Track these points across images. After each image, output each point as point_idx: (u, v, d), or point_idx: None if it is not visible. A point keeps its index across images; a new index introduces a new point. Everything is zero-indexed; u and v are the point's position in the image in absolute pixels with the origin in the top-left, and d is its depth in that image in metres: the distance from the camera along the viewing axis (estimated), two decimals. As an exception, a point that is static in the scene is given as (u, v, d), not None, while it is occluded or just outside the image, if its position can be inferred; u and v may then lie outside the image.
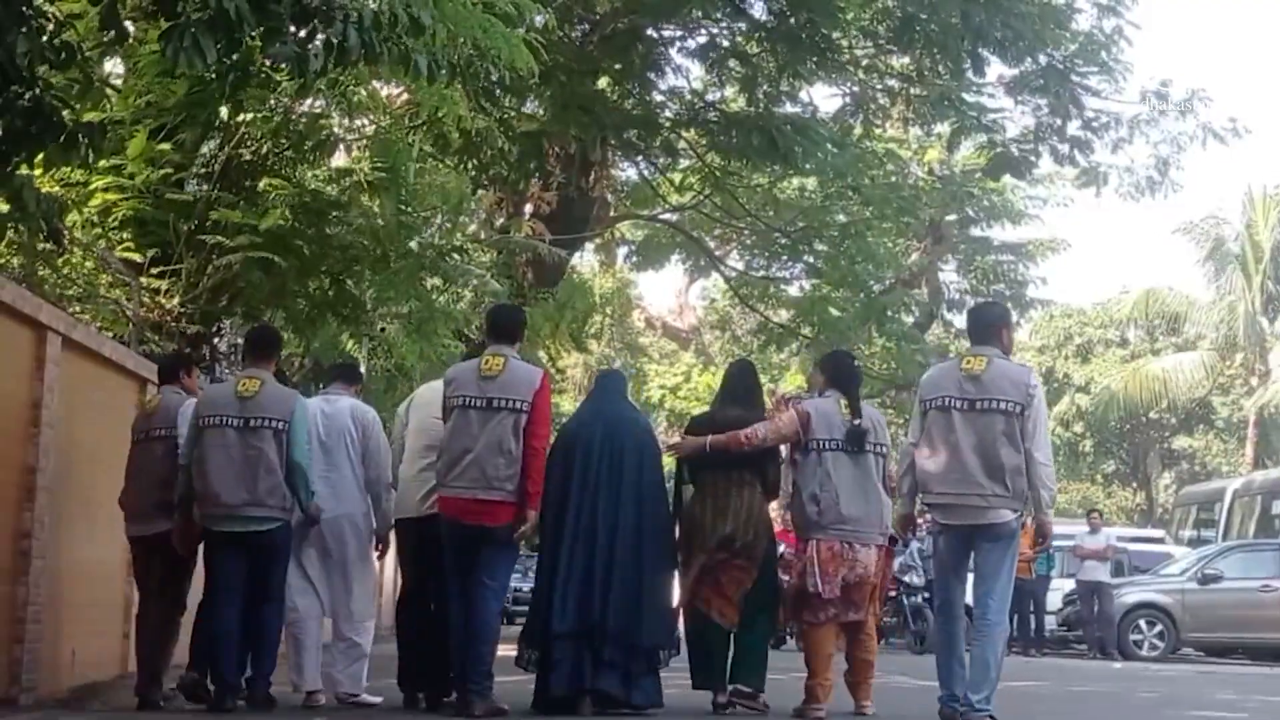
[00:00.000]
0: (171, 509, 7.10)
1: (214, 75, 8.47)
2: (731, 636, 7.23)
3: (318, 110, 11.19)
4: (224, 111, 9.85)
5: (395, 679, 7.47)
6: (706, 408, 8.84)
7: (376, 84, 11.67)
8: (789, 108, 17.83)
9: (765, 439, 7.13)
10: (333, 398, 7.78)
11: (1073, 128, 18.03)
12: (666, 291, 78.99)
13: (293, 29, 6.20)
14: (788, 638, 12.27)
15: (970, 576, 6.96)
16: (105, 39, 7.28)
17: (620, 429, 7.26)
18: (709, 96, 19.35)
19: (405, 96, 12.92)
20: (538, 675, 7.08)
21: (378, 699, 7.49)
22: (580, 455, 7.15)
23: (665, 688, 7.16)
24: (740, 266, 26.21)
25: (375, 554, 7.89)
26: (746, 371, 7.98)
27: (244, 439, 6.87)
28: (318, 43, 6.30)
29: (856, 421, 7.09)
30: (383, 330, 13.25)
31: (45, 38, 6.20)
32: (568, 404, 33.68)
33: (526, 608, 7.91)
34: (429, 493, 7.07)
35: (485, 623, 6.79)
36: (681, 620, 7.36)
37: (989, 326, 6.80)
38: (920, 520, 8.38)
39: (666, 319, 36.73)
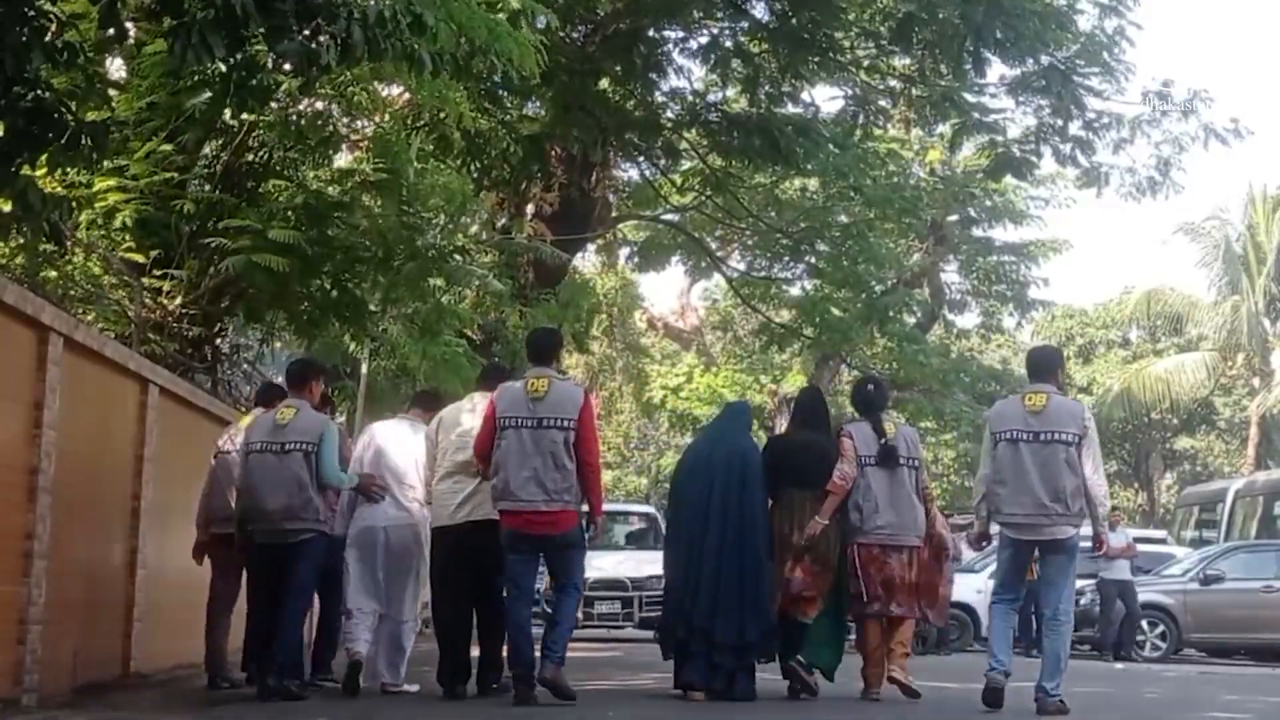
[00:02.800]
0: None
1: (219, 76, 8.47)
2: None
3: (319, 111, 11.17)
4: (227, 113, 9.84)
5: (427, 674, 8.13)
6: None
7: (378, 85, 11.67)
8: (790, 108, 17.83)
9: (851, 473, 8.17)
10: (408, 423, 8.71)
11: (1074, 127, 18.01)
12: (668, 292, 79.01)
13: (297, 27, 6.20)
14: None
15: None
16: (105, 37, 7.26)
17: (737, 457, 8.36)
18: (710, 97, 19.35)
19: (406, 97, 12.92)
20: (675, 664, 8.24)
21: (415, 687, 8.18)
22: (703, 478, 8.31)
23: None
24: (742, 267, 26.19)
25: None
26: (816, 398, 9.23)
27: (281, 461, 7.80)
28: (323, 39, 6.29)
29: (884, 441, 8.22)
30: (384, 331, 13.25)
31: (47, 38, 6.19)
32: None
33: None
34: (461, 503, 7.87)
35: (566, 613, 7.71)
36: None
37: (1046, 367, 7.87)
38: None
39: (668, 320, 36.70)
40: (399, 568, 8.28)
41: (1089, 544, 7.99)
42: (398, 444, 8.47)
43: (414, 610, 8.45)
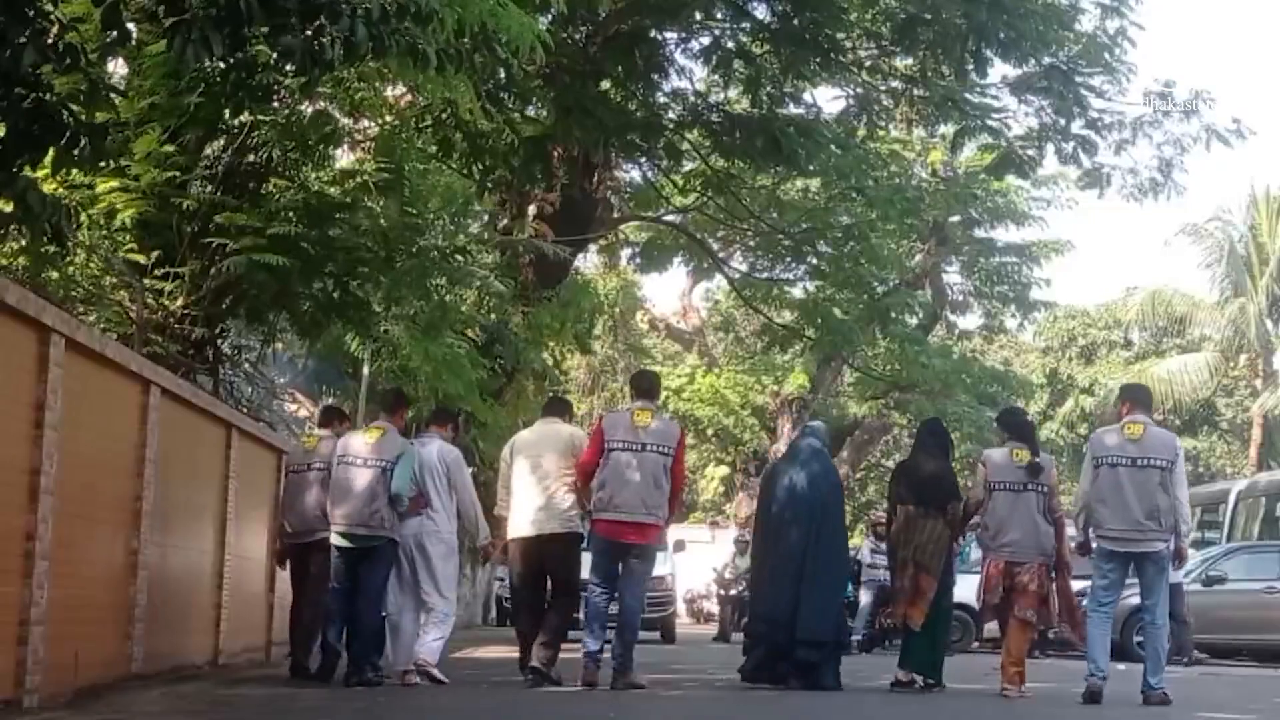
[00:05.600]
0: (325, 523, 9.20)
1: (220, 75, 8.44)
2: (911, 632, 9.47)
3: (321, 111, 11.16)
4: (228, 113, 9.83)
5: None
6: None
7: (381, 84, 11.65)
8: (792, 109, 17.84)
9: (978, 496, 9.22)
10: (425, 439, 9.56)
11: (1077, 126, 18.02)
12: (670, 293, 78.98)
13: (300, 25, 6.18)
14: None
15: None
16: (108, 39, 7.25)
17: (819, 473, 9.56)
18: (712, 98, 19.36)
19: (409, 97, 12.90)
20: (746, 656, 9.43)
21: (446, 679, 8.98)
22: (787, 493, 9.46)
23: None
24: (744, 268, 26.20)
25: (480, 561, 9.85)
26: (937, 428, 10.43)
27: (361, 473, 8.91)
28: (326, 38, 6.28)
29: (1036, 460, 9.03)
30: (386, 332, 13.23)
31: (49, 40, 6.17)
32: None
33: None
34: (533, 519, 8.98)
35: (631, 618, 8.96)
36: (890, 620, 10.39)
37: (1141, 401, 8.94)
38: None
39: (670, 321, 36.71)
40: (429, 568, 9.20)
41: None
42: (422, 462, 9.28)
43: (451, 600, 9.43)
